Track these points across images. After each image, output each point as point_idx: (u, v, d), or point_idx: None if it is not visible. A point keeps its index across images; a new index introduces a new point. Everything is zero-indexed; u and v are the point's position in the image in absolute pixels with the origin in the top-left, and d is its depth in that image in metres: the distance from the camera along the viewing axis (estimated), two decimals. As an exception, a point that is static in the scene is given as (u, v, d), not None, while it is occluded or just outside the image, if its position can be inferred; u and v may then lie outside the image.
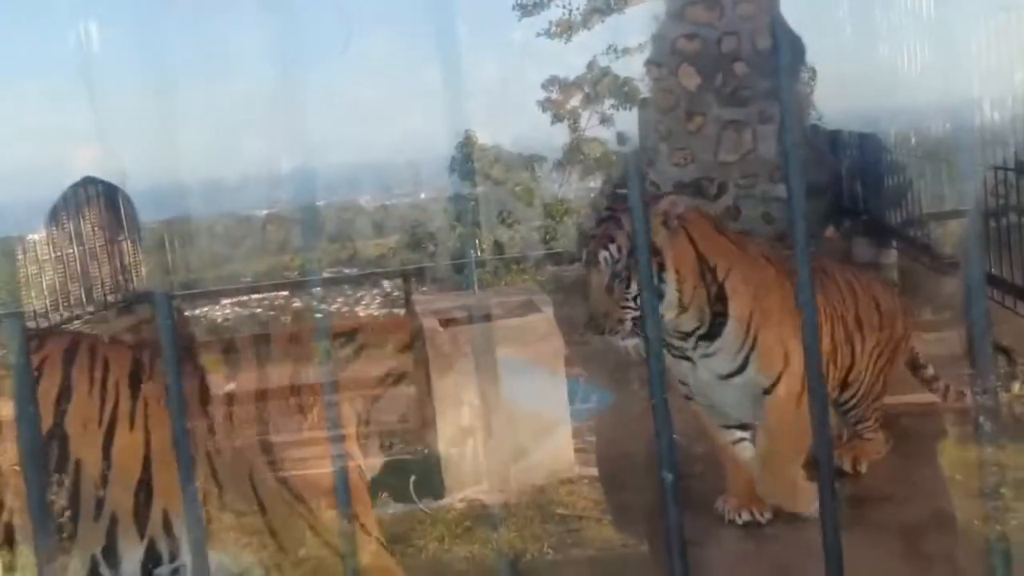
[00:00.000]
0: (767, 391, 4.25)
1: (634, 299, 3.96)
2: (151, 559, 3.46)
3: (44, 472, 2.77)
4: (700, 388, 4.33)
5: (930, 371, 5.12)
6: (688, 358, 4.22)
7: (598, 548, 4.57)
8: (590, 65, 11.07)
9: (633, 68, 10.70)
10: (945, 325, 5.84)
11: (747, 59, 7.53)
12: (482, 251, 9.64)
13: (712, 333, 4.17)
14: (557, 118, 11.29)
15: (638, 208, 1.70)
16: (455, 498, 5.19)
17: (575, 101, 11.23)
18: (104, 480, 3.40)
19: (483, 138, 10.60)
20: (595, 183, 10.99)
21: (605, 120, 11.28)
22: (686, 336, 4.17)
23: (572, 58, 11.13)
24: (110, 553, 3.44)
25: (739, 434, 4.44)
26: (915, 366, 5.10)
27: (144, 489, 3.43)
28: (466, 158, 10.25)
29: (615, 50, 10.84)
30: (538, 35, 10.89)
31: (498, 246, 9.73)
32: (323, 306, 4.33)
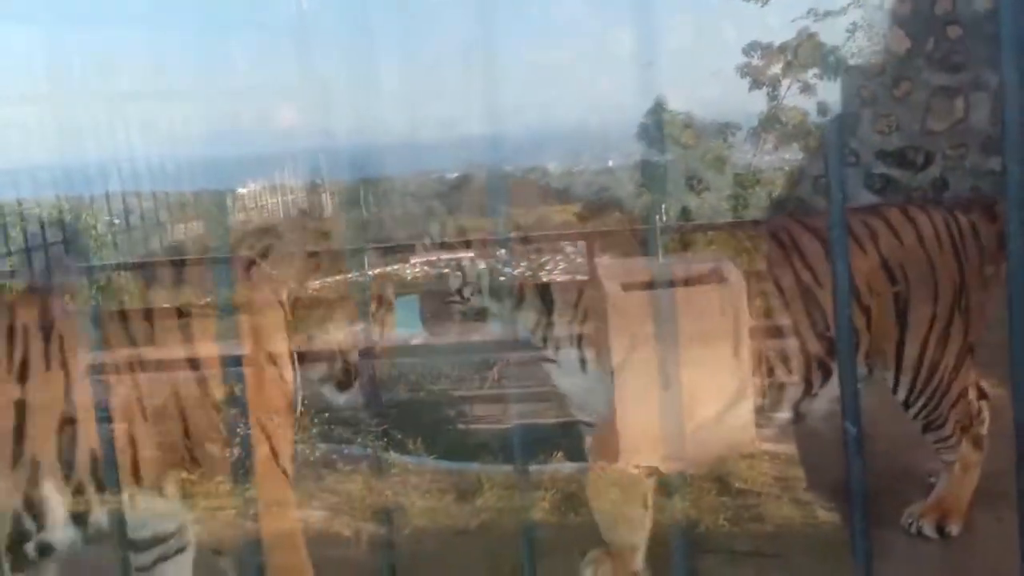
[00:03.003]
0: None
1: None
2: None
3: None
4: None
5: None
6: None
7: (776, 524, 4.47)
8: (799, 32, 10.57)
9: (837, 32, 10.17)
10: None
11: (962, 22, 7.04)
12: (668, 218, 9.52)
13: None
14: (756, 85, 10.85)
15: (837, 184, 1.63)
16: (629, 463, 5.17)
17: (776, 68, 10.77)
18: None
19: (675, 103, 10.41)
20: (790, 154, 10.59)
21: (806, 89, 10.79)
22: None
23: (773, 20, 10.69)
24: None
25: None
26: None
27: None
28: (657, 124, 10.10)
29: (816, 13, 10.33)
30: (736, -6, 10.45)
31: (685, 213, 9.57)
32: (507, 268, 4.41)
